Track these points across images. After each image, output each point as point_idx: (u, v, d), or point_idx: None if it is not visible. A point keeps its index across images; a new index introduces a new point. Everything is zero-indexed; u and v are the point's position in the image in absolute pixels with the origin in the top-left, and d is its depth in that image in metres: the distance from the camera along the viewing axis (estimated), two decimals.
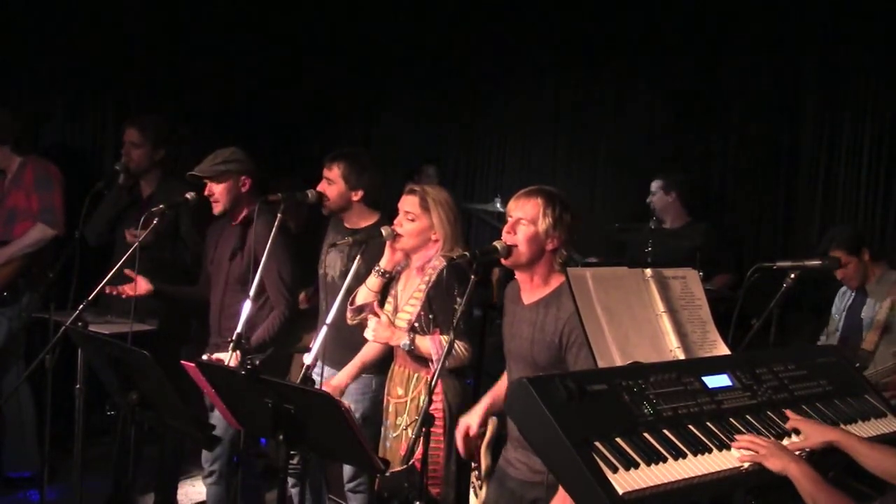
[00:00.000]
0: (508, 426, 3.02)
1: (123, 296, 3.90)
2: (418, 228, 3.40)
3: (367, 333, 3.39)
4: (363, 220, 3.86)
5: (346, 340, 3.67)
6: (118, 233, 4.61)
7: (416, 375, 3.39)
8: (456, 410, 3.33)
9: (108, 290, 3.80)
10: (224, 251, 4.01)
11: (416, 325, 3.36)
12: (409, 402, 3.38)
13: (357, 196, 3.82)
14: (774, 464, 2.13)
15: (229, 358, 3.35)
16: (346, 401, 3.60)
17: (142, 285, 3.94)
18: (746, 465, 2.15)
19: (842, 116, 5.27)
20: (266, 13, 6.47)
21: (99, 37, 5.64)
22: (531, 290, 2.91)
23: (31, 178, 4.73)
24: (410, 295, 3.44)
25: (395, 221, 3.44)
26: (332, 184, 3.80)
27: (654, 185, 5.62)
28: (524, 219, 2.83)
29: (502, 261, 2.85)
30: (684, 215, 5.55)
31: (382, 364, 3.60)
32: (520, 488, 2.87)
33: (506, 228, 2.86)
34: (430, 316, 3.34)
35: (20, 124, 4.87)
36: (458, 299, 3.24)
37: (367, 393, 3.66)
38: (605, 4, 6.07)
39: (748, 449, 2.18)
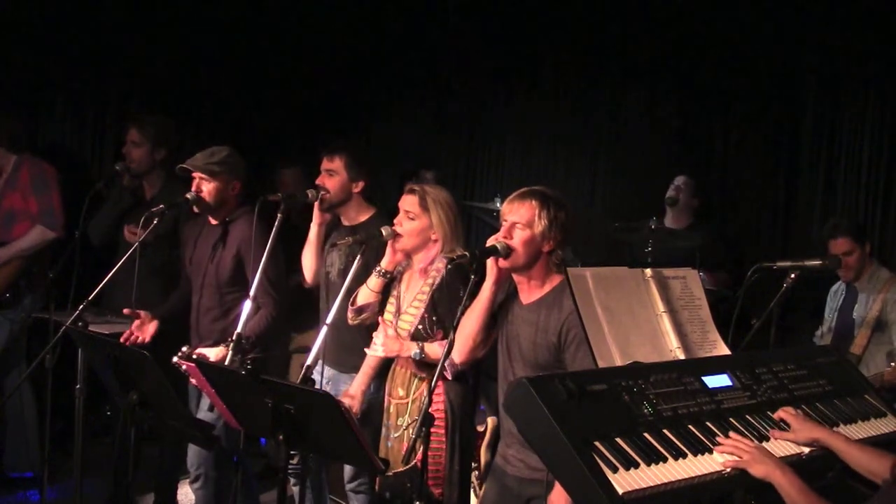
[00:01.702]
0: (503, 422, 3.02)
1: (138, 340, 3.84)
2: (418, 228, 3.39)
3: (376, 349, 3.34)
4: (361, 214, 3.84)
5: (346, 340, 3.67)
6: (121, 233, 4.60)
7: (417, 377, 3.38)
8: (458, 410, 3.33)
9: (122, 339, 3.76)
10: (203, 252, 3.97)
11: (420, 326, 3.35)
12: (410, 403, 3.37)
13: (358, 187, 3.80)
14: (758, 469, 2.12)
15: (229, 358, 3.35)
16: (346, 398, 3.61)
17: (148, 327, 3.87)
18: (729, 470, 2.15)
19: (841, 117, 5.27)
20: (264, 15, 6.47)
21: (99, 36, 5.64)
22: (528, 290, 2.91)
23: (28, 180, 4.70)
24: (414, 297, 3.43)
25: (396, 221, 3.44)
26: (334, 175, 3.77)
27: (683, 182, 5.50)
28: (519, 222, 2.83)
29: (500, 263, 2.85)
30: (691, 217, 5.55)
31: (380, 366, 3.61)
32: (518, 486, 2.87)
33: (501, 233, 2.85)
34: (434, 318, 3.34)
35: (14, 122, 4.85)
36: (462, 299, 3.23)
37: (367, 392, 3.65)
38: (606, 5, 6.06)
39: (731, 453, 2.16)
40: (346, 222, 3.88)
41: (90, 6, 5.57)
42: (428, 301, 3.35)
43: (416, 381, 3.38)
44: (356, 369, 3.62)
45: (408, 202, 3.42)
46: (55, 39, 5.50)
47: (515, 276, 2.92)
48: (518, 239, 2.82)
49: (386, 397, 3.52)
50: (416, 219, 3.39)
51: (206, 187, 3.82)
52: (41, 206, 4.68)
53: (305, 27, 6.65)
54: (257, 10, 6.41)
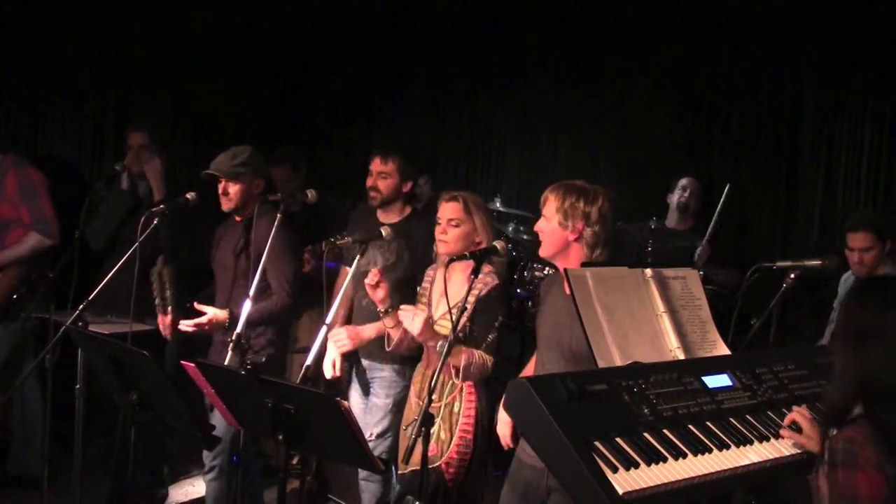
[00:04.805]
0: None
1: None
2: (463, 232, 3.51)
3: (412, 325, 3.31)
4: (402, 212, 4.05)
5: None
6: (122, 234, 4.59)
7: (450, 382, 3.37)
8: (487, 417, 3.37)
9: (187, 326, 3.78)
10: (227, 250, 4.02)
11: (461, 334, 3.32)
12: (442, 408, 3.37)
13: (407, 187, 4.03)
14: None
15: (229, 358, 3.36)
16: (380, 387, 3.80)
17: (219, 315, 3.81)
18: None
19: (841, 116, 5.27)
20: (265, 18, 6.47)
21: (99, 37, 5.64)
22: None
23: (15, 189, 4.63)
24: (455, 304, 3.38)
25: (438, 230, 3.53)
26: (388, 177, 3.97)
27: (692, 187, 5.46)
28: (545, 214, 2.97)
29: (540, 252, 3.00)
30: (693, 220, 5.54)
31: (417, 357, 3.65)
32: (536, 478, 2.86)
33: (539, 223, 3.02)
34: (473, 330, 3.38)
35: None
36: (500, 318, 3.40)
37: (402, 381, 3.77)
38: (607, 3, 6.06)
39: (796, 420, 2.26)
40: (384, 220, 4.00)
41: (90, 6, 5.57)
42: (472, 311, 3.38)
43: (449, 385, 3.38)
44: (383, 359, 3.77)
45: (450, 210, 3.52)
46: (56, 40, 5.50)
47: (557, 264, 3.02)
48: (543, 229, 2.97)
49: (413, 399, 3.55)
50: (460, 224, 3.51)
51: (232, 189, 3.89)
52: (33, 215, 4.64)
53: (303, 27, 6.65)
54: (256, 10, 6.41)
